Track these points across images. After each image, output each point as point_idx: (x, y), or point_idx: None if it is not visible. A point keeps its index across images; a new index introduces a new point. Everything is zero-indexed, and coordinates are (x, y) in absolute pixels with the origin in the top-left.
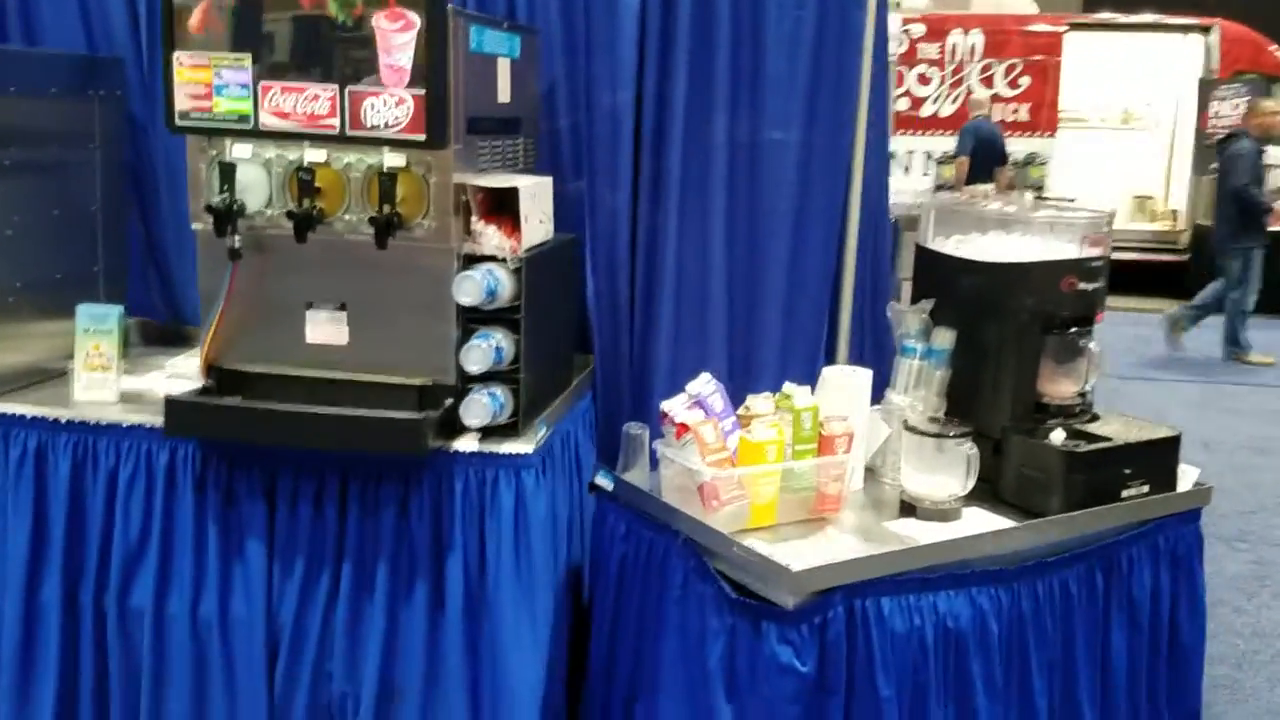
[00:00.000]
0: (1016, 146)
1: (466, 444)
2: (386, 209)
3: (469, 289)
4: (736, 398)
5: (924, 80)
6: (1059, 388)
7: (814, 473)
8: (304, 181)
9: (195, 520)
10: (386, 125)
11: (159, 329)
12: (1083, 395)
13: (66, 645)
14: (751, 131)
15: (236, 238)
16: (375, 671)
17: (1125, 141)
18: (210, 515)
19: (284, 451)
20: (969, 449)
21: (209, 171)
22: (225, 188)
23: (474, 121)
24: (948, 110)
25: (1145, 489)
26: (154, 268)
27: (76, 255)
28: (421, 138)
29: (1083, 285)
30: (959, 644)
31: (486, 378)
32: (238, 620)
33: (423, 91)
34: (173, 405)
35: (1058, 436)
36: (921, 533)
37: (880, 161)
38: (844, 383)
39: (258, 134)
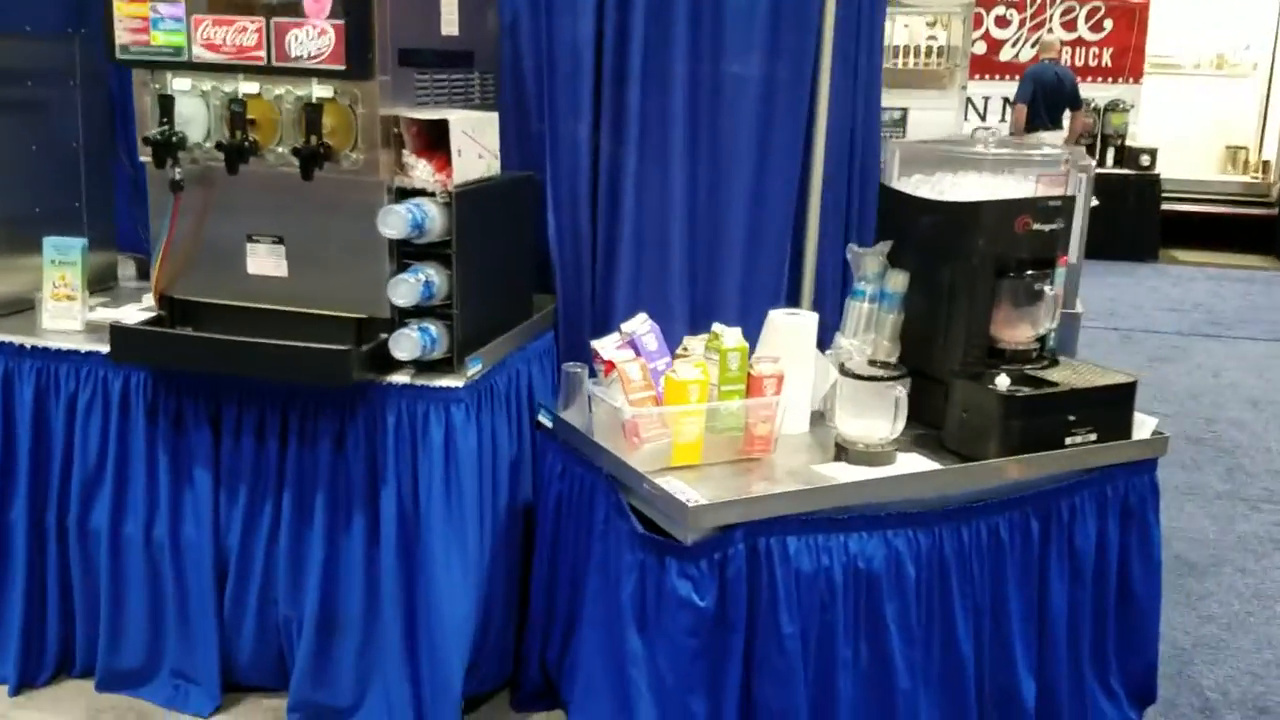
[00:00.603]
0: (1098, 93)
1: (400, 378)
2: (312, 141)
3: (393, 222)
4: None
5: (1002, 23)
6: (1014, 332)
7: (742, 413)
8: (235, 114)
9: (147, 446)
10: (309, 56)
11: (147, 263)
12: (1041, 340)
13: (33, 563)
14: (712, 66)
15: (177, 170)
16: (316, 600)
17: (1218, 88)
18: (161, 442)
19: (229, 381)
20: (897, 392)
21: (152, 105)
22: (164, 120)
23: (408, 53)
24: (1027, 55)
25: (1092, 437)
26: (140, 203)
27: (58, 191)
28: (342, 68)
29: (1038, 226)
30: (871, 585)
31: (423, 312)
32: (188, 544)
33: (343, 21)
34: (118, 333)
35: (1002, 382)
36: (844, 475)
37: (865, 103)
38: (788, 325)
39: (191, 66)
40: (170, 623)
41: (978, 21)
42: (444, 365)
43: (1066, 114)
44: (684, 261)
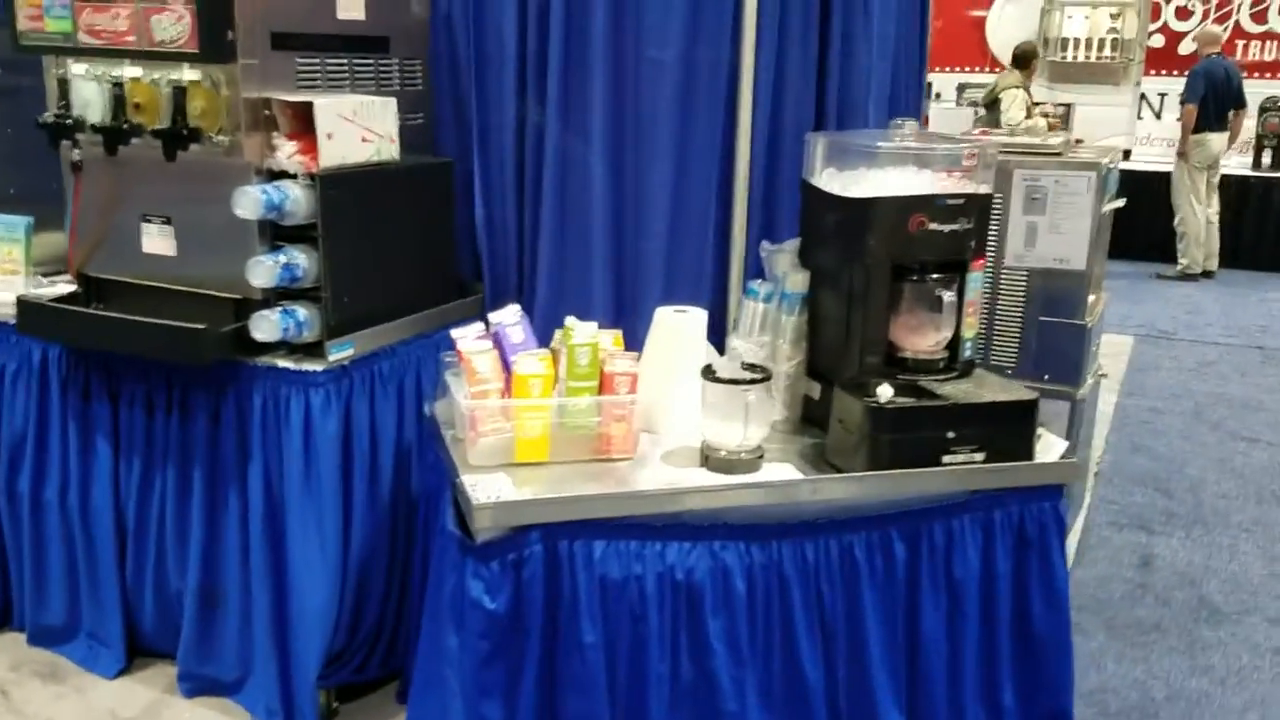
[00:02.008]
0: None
1: (270, 359)
2: (177, 122)
3: (246, 203)
4: (627, 334)
5: (1183, 14)
6: (916, 340)
7: (593, 412)
8: (116, 97)
9: (60, 416)
10: (171, 40)
11: None
12: (952, 349)
13: None
14: (634, 50)
15: (76, 151)
16: (197, 573)
17: None
18: (70, 412)
19: (125, 356)
20: (749, 397)
21: (50, 89)
22: (62, 104)
23: (286, 37)
24: None
25: (977, 457)
26: None
27: (34, 172)
28: (196, 52)
29: (935, 226)
30: (692, 598)
31: (296, 295)
32: (95, 511)
33: (195, 6)
34: (23, 307)
35: (884, 392)
36: (688, 481)
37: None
38: (675, 323)
39: (77, 51)
40: (84, 586)
41: (1155, 13)
42: (311, 349)
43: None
44: (605, 252)
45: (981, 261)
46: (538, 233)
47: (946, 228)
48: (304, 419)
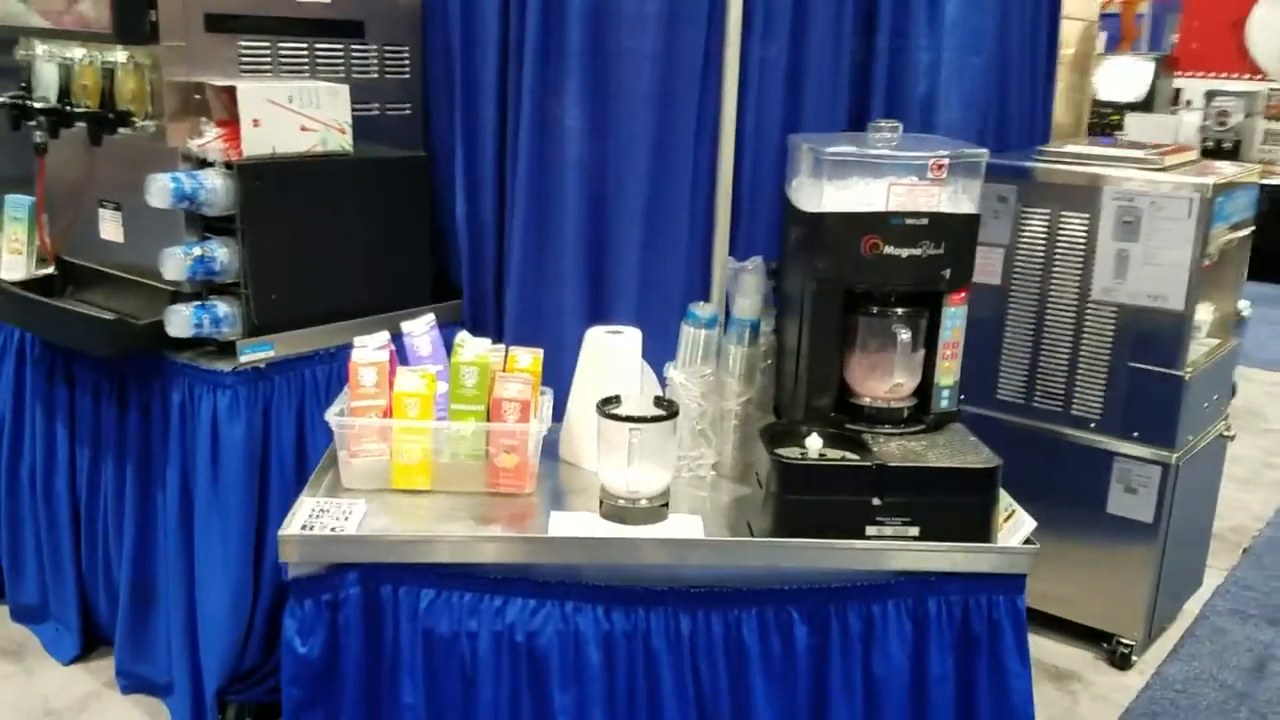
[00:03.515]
0: None
1: (189, 356)
2: (105, 106)
3: (156, 191)
4: None
5: None
6: (873, 384)
7: (480, 439)
8: (64, 79)
9: (31, 397)
10: (94, 20)
11: None
12: (923, 398)
13: None
14: (613, 40)
15: (38, 133)
16: (129, 570)
17: None
18: (38, 395)
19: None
20: (633, 437)
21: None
22: (22, 85)
23: (225, 19)
24: None
25: (910, 531)
26: None
27: None
28: (109, 33)
29: (891, 250)
30: (536, 664)
31: (223, 289)
32: (55, 495)
33: None
34: None
35: (813, 444)
36: (561, 528)
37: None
38: (605, 346)
39: (27, 32)
40: (48, 569)
41: None
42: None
43: None
44: (578, 256)
45: (963, 295)
46: (510, 233)
47: (904, 252)
48: (211, 421)
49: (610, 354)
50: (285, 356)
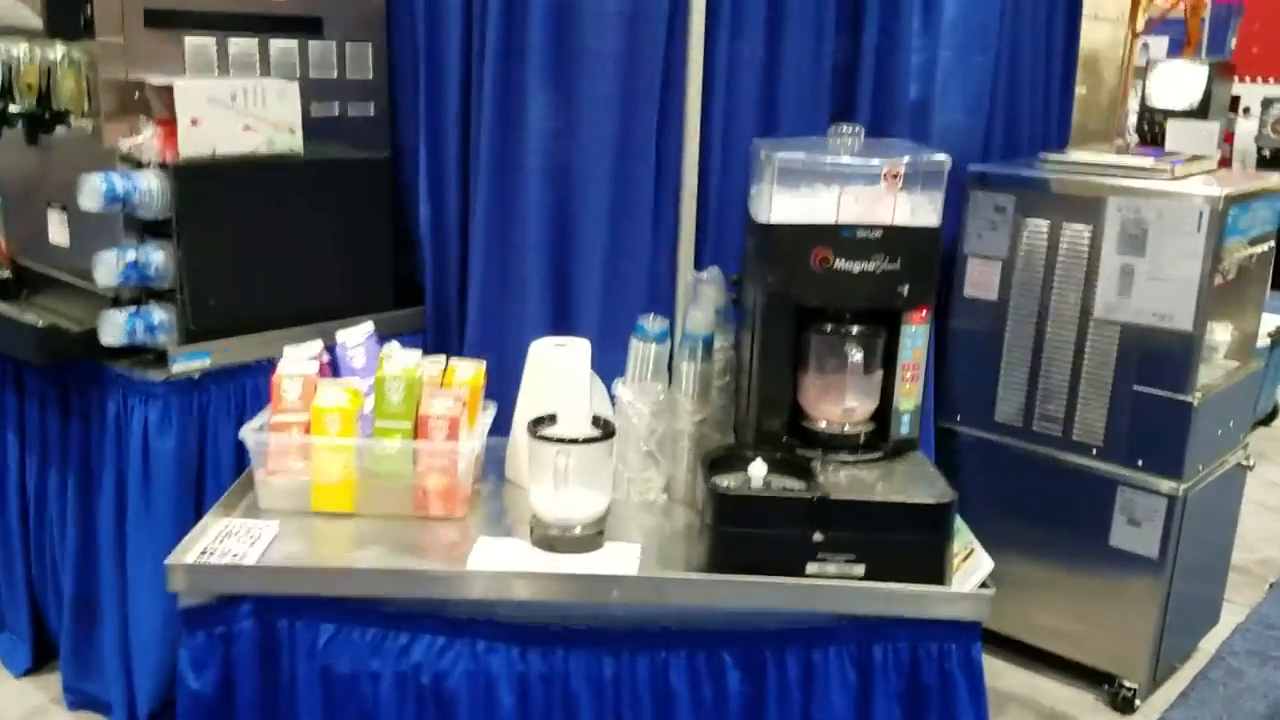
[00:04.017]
0: None
1: (126, 364)
2: (42, 104)
3: (87, 193)
4: None
5: None
6: (826, 407)
7: (406, 459)
8: (4, 77)
9: None
10: (29, 16)
11: None
12: (882, 423)
13: None
14: (576, 38)
15: None
16: (71, 583)
17: None
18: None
19: None
20: (559, 460)
21: None
22: None
23: (166, 15)
24: None
25: (855, 570)
26: None
27: None
28: (39, 27)
29: (843, 264)
30: (443, 706)
31: (162, 295)
32: (6, 503)
33: None
34: None
35: (757, 471)
36: (482, 558)
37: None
38: (551, 357)
39: None
40: (2, 577)
41: None
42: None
43: None
44: (540, 262)
45: (923, 313)
46: (472, 239)
47: (857, 266)
48: (143, 432)
49: (557, 367)
50: (224, 365)
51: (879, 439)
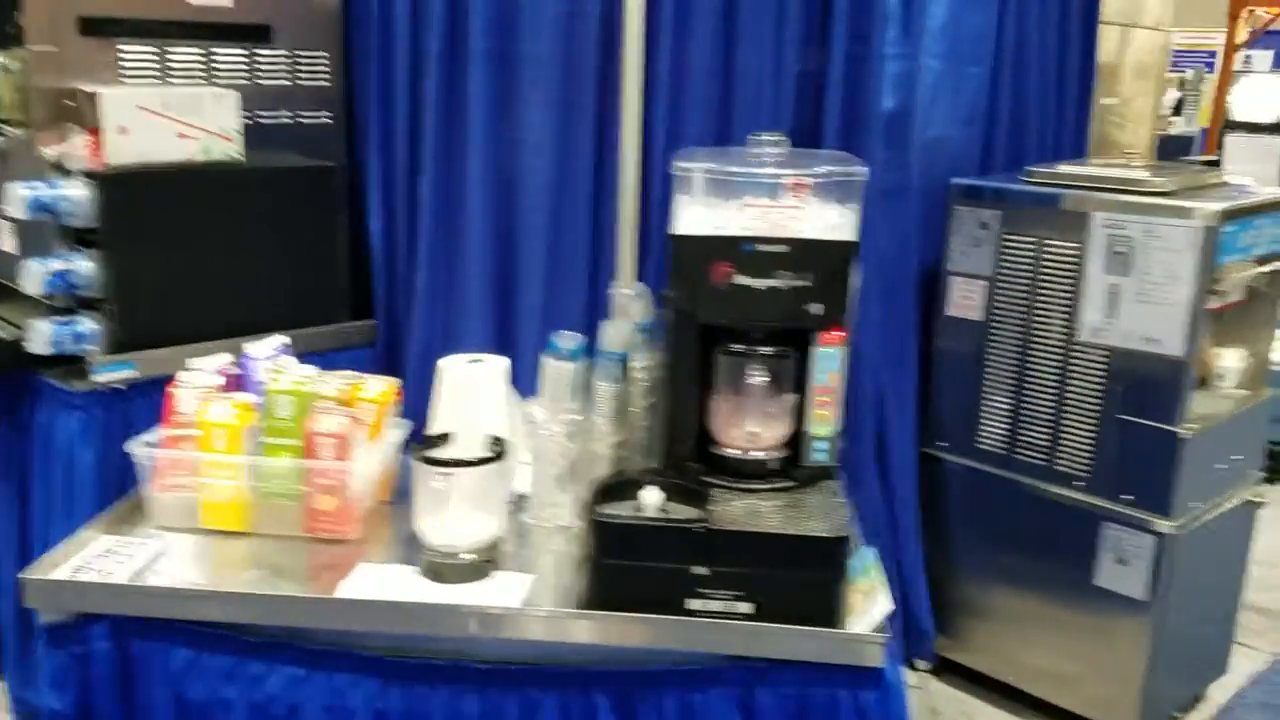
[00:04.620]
0: None
1: (55, 374)
2: None
3: (14, 201)
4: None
5: None
6: (731, 431)
7: (295, 477)
8: None
9: None
10: None
11: None
12: (794, 449)
13: None
14: (514, 44)
15: None
16: (11, 595)
17: None
18: None
19: None
20: (436, 483)
21: None
22: None
23: (102, 23)
24: None
25: (740, 608)
26: None
27: None
28: None
29: (745, 280)
30: None
31: (92, 305)
32: None
33: None
34: None
35: (650, 498)
36: (356, 585)
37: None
38: (463, 375)
39: None
40: None
41: None
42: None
43: None
44: (482, 277)
45: (838, 335)
46: (414, 252)
47: (760, 283)
48: (67, 443)
49: (469, 386)
50: (154, 377)
51: (792, 467)
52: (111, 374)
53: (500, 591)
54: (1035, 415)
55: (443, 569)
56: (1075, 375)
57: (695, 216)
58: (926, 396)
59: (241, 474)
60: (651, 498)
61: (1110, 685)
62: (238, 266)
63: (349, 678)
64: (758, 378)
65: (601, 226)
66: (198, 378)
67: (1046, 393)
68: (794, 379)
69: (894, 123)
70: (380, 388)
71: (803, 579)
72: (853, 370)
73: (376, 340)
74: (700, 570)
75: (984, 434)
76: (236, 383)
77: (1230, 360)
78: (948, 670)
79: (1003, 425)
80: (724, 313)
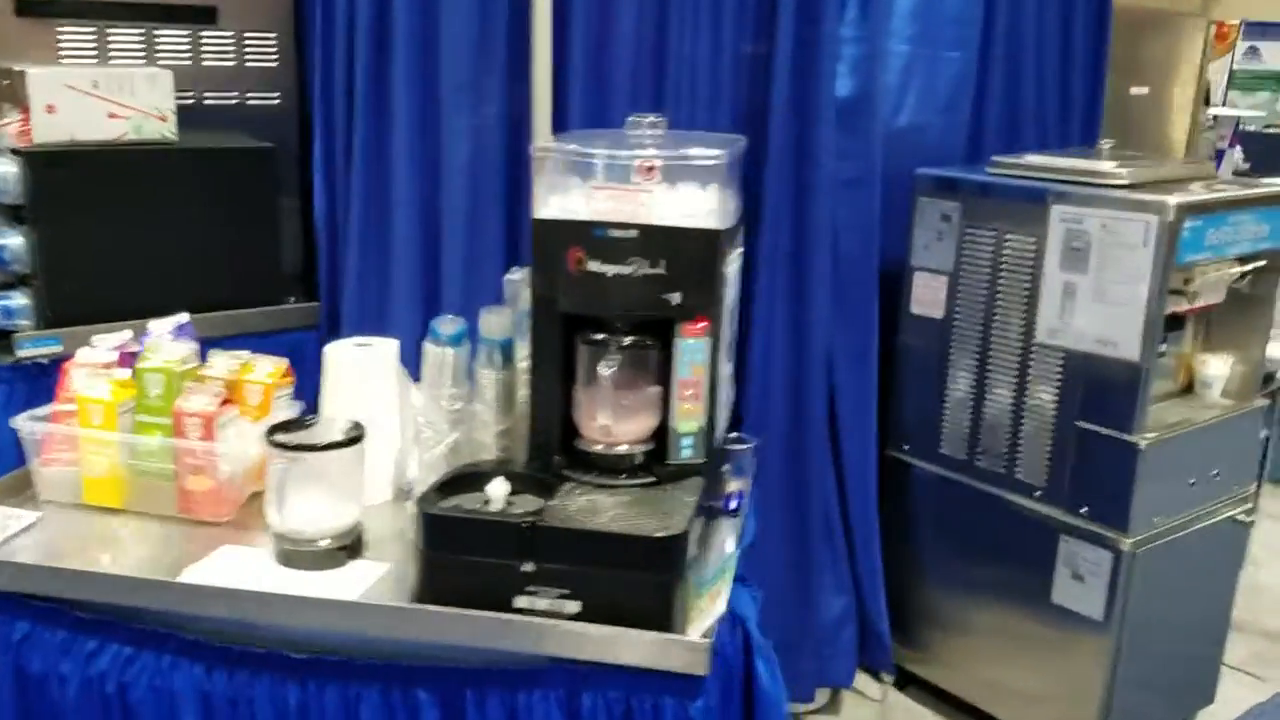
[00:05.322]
0: None
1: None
2: None
3: None
4: None
5: None
6: (589, 425)
7: (166, 456)
8: None
9: None
10: None
11: None
12: (660, 443)
13: None
14: (435, 23)
15: None
16: None
17: None
18: None
19: None
20: (282, 466)
21: None
22: None
23: (38, 4)
24: None
25: (567, 607)
26: None
27: None
28: None
29: (597, 266)
30: (127, 718)
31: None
32: None
33: None
34: None
35: (496, 491)
36: (201, 570)
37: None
38: (348, 360)
39: None
40: None
41: None
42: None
43: None
44: (411, 258)
45: (701, 325)
46: (348, 237)
47: (611, 270)
48: None
49: (356, 369)
50: None
51: (657, 462)
52: (35, 349)
53: (342, 581)
54: (995, 420)
55: (293, 555)
56: (1033, 378)
57: (549, 201)
58: (890, 397)
59: (116, 451)
60: (498, 490)
61: (1070, 707)
62: (169, 246)
63: (174, 660)
64: (607, 369)
65: (520, 210)
66: (94, 354)
67: (1005, 396)
68: (659, 372)
69: (851, 109)
70: (269, 369)
71: (629, 580)
72: (807, 368)
73: (320, 322)
74: (527, 567)
75: (947, 438)
76: (132, 360)
77: (1216, 367)
78: (912, 684)
79: (964, 429)
80: (580, 300)
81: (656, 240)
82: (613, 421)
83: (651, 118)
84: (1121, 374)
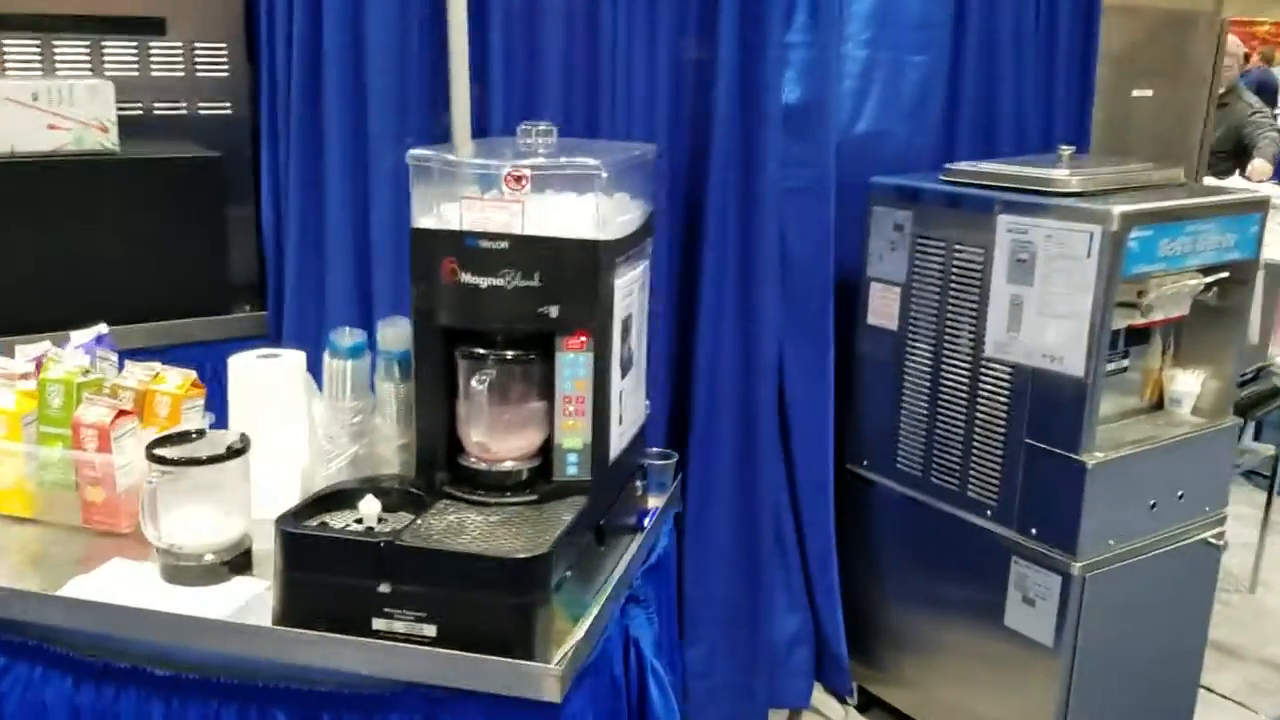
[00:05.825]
0: None
1: None
2: None
3: None
4: None
5: None
6: (472, 442)
7: (68, 467)
8: None
9: None
10: None
11: None
12: (545, 459)
13: None
14: (362, 34)
15: None
16: None
17: None
18: None
19: None
20: (152, 478)
21: None
22: None
23: None
24: None
25: (425, 630)
26: None
27: None
28: None
29: (469, 278)
30: None
31: None
32: None
33: None
34: None
35: (368, 509)
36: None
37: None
38: (252, 373)
39: None
40: None
41: None
42: None
43: None
44: (344, 266)
45: (581, 339)
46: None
47: (483, 281)
48: None
49: (260, 382)
50: None
51: (543, 479)
52: None
53: (217, 598)
54: (948, 436)
55: (174, 571)
56: (983, 394)
57: (426, 210)
58: (849, 411)
59: (21, 462)
60: (369, 508)
61: None
62: (111, 257)
63: (45, 672)
64: (480, 384)
65: None
66: (12, 365)
67: (957, 411)
68: (545, 387)
69: (800, 116)
70: (178, 380)
71: (486, 602)
72: (755, 380)
73: (269, 332)
74: (384, 588)
75: (903, 454)
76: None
77: (1185, 383)
78: (875, 706)
79: (919, 445)
80: (455, 313)
81: (530, 251)
82: (489, 438)
83: (543, 125)
84: (1068, 390)
